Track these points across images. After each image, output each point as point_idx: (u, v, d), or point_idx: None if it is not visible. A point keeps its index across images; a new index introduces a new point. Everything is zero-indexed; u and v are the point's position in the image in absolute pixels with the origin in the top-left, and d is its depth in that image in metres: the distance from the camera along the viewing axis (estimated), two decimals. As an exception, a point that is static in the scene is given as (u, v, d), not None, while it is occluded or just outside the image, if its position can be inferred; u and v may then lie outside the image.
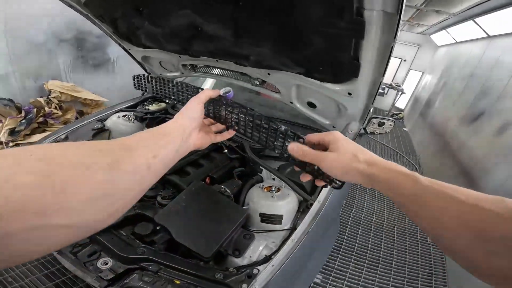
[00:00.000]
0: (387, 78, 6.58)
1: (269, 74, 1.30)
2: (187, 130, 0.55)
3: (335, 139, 0.53)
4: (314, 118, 1.41)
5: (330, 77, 1.11)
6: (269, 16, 0.93)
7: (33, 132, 2.63)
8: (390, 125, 1.55)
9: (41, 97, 2.81)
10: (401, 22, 0.74)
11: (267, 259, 0.95)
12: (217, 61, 1.42)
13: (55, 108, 2.78)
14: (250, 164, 1.42)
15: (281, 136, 0.66)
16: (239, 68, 1.38)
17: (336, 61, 1.02)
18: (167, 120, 1.68)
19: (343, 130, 1.35)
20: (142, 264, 0.92)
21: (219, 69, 1.57)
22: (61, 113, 2.81)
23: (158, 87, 1.05)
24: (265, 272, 0.89)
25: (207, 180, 1.30)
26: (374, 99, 1.08)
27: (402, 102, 6.90)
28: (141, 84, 1.18)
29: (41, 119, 2.68)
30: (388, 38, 0.82)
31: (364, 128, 1.35)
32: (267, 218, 1.13)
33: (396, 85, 6.22)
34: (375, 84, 1.01)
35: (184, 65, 1.65)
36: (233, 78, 1.55)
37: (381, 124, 1.54)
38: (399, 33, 0.78)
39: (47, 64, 2.93)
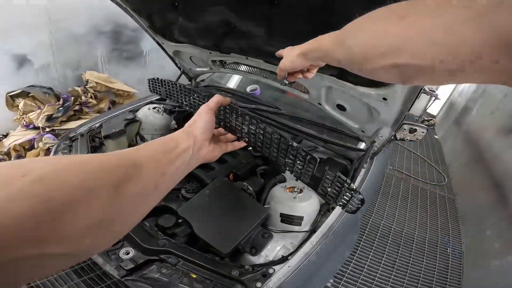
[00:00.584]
0: (420, 82, 6.28)
1: (299, 73, 1.28)
2: (197, 143, 0.52)
3: (282, 50, 0.66)
4: (342, 121, 1.37)
5: (365, 81, 1.06)
6: (306, 16, 0.91)
7: (69, 119, 2.79)
8: (423, 132, 1.47)
9: (78, 86, 2.97)
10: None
11: (283, 259, 0.95)
12: (247, 58, 1.42)
13: (91, 97, 2.93)
14: (273, 163, 1.41)
15: (292, 153, 0.63)
16: (269, 67, 1.37)
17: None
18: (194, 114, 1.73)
19: (373, 135, 1.30)
20: (162, 256, 0.93)
21: (247, 66, 1.57)
22: (96, 102, 2.95)
23: (170, 92, 1.04)
24: (280, 272, 0.89)
25: (230, 176, 1.32)
26: (411, 106, 1.00)
27: (434, 108, 6.54)
28: (156, 87, 1.17)
29: (77, 107, 2.84)
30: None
31: (394, 134, 1.30)
32: (287, 218, 1.12)
33: (430, 90, 5.91)
34: (415, 90, 0.96)
35: (213, 61, 1.67)
36: (261, 76, 1.54)
37: (412, 131, 1.47)
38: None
39: (86, 55, 3.08)
